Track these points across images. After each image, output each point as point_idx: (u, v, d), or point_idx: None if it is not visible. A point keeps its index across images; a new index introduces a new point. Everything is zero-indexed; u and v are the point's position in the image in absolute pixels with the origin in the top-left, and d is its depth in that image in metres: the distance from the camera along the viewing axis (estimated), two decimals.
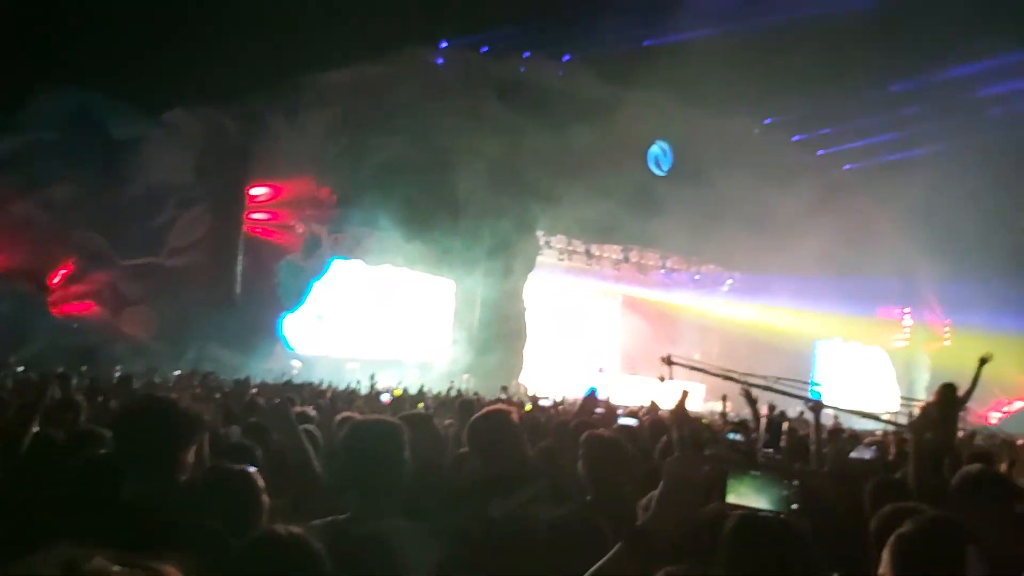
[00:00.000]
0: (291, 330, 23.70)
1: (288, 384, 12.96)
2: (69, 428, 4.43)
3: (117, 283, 20.66)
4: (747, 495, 1.78)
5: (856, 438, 7.73)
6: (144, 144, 20.85)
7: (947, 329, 33.11)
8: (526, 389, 21.18)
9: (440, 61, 24.59)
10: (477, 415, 3.35)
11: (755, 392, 6.05)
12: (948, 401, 7.84)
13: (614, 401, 12.90)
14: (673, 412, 6.60)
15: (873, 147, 29.59)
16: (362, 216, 23.38)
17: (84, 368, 13.21)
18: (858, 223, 30.00)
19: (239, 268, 21.76)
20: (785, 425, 3.68)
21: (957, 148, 25.60)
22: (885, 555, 2.04)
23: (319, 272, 24.26)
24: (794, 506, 1.76)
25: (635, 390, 23.36)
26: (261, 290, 22.52)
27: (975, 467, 3.02)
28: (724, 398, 8.02)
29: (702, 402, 22.55)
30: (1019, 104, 25.46)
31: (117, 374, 11.69)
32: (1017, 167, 25.02)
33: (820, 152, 31.38)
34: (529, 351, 27.39)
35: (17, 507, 2.79)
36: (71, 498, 2.57)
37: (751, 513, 1.79)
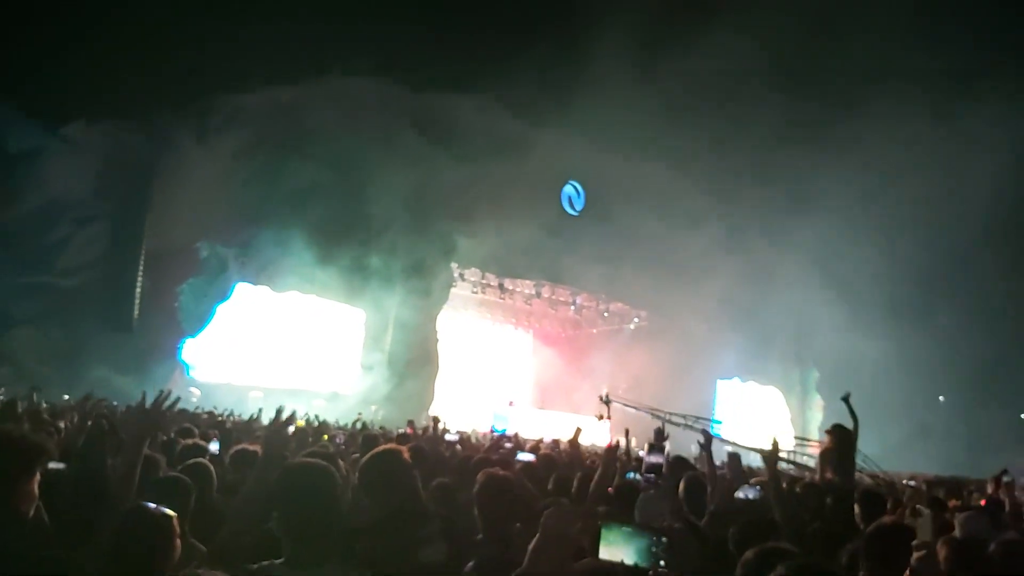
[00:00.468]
0: (192, 356, 22.86)
1: (182, 412, 12.42)
2: None
3: (5, 301, 19.51)
4: (618, 549, 1.80)
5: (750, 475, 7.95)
6: (41, 158, 19.90)
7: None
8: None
9: (355, 90, 24.40)
10: (368, 456, 3.34)
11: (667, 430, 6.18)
12: (845, 441, 8.15)
13: (524, 435, 12.99)
14: (571, 444, 6.66)
15: (774, 195, 30.93)
16: (271, 241, 22.92)
17: None
18: (759, 268, 31.36)
19: (138, 290, 20.90)
20: (667, 448, 3.79)
21: (850, 202, 27.18)
22: None
23: (223, 296, 23.55)
24: (662, 563, 1.79)
25: (545, 423, 23.61)
26: (161, 313, 21.67)
27: (888, 520, 3.18)
28: (627, 432, 8.05)
29: (609, 437, 22.89)
30: (911, 157, 27.05)
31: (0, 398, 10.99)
32: (902, 221, 26.78)
33: (725, 198, 32.65)
34: (441, 383, 27.25)
35: None
36: None
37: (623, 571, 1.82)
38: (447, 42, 23.27)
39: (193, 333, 22.61)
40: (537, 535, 1.87)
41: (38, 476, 2.46)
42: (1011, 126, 24.36)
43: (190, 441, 5.73)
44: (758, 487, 4.82)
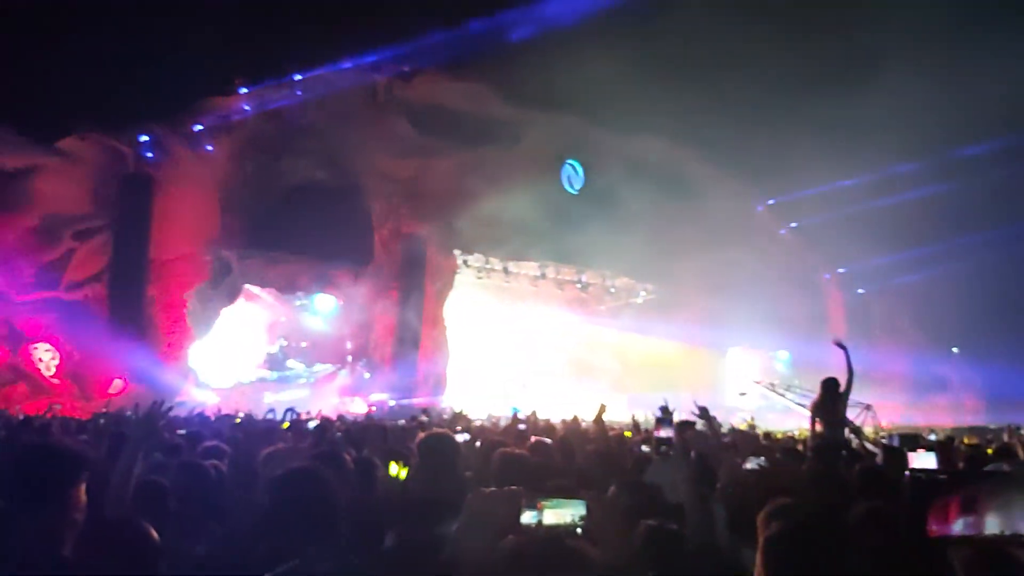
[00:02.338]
0: (201, 361, 22.97)
1: (199, 417, 12.55)
2: None
3: (14, 320, 19.64)
4: (541, 519, 1.84)
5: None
6: (36, 174, 19.90)
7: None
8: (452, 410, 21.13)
9: (345, 85, 24.17)
10: (424, 437, 3.40)
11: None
12: (830, 393, 8.25)
13: (542, 415, 13.06)
14: (595, 422, 6.74)
15: (775, 159, 30.31)
16: (272, 241, 22.91)
17: None
18: (761, 235, 31.35)
19: (145, 299, 20.97)
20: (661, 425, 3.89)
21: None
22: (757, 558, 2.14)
23: (230, 299, 23.61)
24: (579, 529, 1.82)
25: (565, 403, 23.62)
26: (170, 321, 21.74)
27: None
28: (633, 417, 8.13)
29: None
30: None
31: (20, 417, 11.18)
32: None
33: (724, 164, 32.33)
34: (454, 371, 27.23)
35: None
36: None
37: (537, 541, 1.81)
38: (432, 28, 23.06)
39: (202, 338, 22.69)
40: (462, 518, 1.91)
41: (83, 484, 2.56)
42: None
43: (212, 443, 5.87)
44: (762, 457, 4.88)
